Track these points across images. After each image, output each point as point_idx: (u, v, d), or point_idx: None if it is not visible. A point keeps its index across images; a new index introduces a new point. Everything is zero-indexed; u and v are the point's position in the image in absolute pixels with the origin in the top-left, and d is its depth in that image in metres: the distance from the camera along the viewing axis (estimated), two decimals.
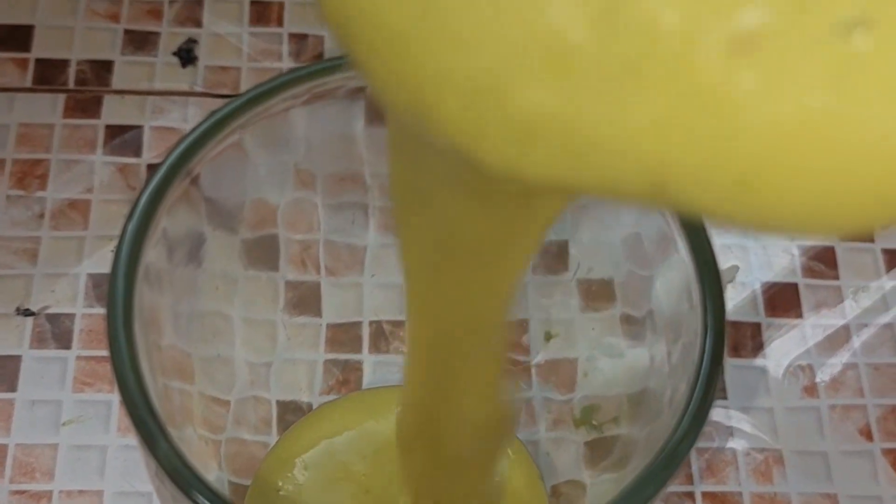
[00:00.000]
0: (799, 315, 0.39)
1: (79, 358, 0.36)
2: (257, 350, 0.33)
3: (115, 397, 0.36)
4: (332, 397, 0.35)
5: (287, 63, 0.43)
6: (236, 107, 0.26)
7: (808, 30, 0.12)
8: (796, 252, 0.40)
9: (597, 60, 0.12)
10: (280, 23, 0.44)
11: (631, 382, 0.30)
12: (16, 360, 0.36)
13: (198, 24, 0.43)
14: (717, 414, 0.37)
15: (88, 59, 0.42)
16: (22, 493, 0.34)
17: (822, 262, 0.40)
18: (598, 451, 0.31)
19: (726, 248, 0.39)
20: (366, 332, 0.36)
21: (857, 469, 0.36)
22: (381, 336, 0.35)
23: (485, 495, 0.30)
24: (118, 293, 0.23)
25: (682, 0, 0.12)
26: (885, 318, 0.39)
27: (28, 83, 0.42)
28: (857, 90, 0.12)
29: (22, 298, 0.37)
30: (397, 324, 0.35)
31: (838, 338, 0.38)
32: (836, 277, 0.39)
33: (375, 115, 0.28)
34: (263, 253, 0.32)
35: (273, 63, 0.43)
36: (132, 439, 0.35)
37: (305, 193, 0.31)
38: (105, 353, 0.36)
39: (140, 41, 0.43)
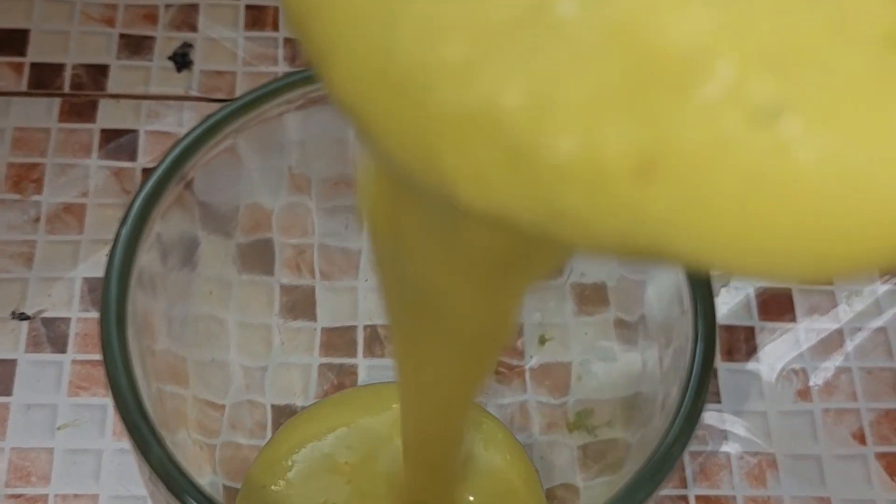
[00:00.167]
0: (792, 319, 0.39)
1: (74, 362, 0.36)
2: (252, 354, 0.33)
3: (110, 401, 0.35)
4: None
5: (282, 67, 0.43)
6: (230, 111, 0.26)
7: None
8: None
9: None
10: (275, 27, 0.44)
11: (624, 386, 0.30)
12: (11, 364, 0.36)
13: (193, 28, 0.44)
14: (710, 418, 0.37)
15: (84, 64, 0.42)
16: (18, 497, 0.34)
17: None
18: (592, 454, 0.31)
19: None
20: (360, 336, 0.36)
21: (851, 473, 0.36)
22: (376, 340, 0.35)
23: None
24: (111, 297, 0.23)
25: (578, 129, 0.12)
26: (878, 322, 0.39)
27: (23, 87, 0.42)
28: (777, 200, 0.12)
29: (17, 302, 0.37)
30: None
31: (832, 342, 0.38)
32: (830, 282, 0.39)
33: None
34: (258, 257, 0.32)
35: (268, 67, 0.43)
36: (127, 443, 0.35)
37: (299, 198, 0.31)
38: (101, 357, 0.36)
39: (135, 45, 0.43)
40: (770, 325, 0.39)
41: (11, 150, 0.40)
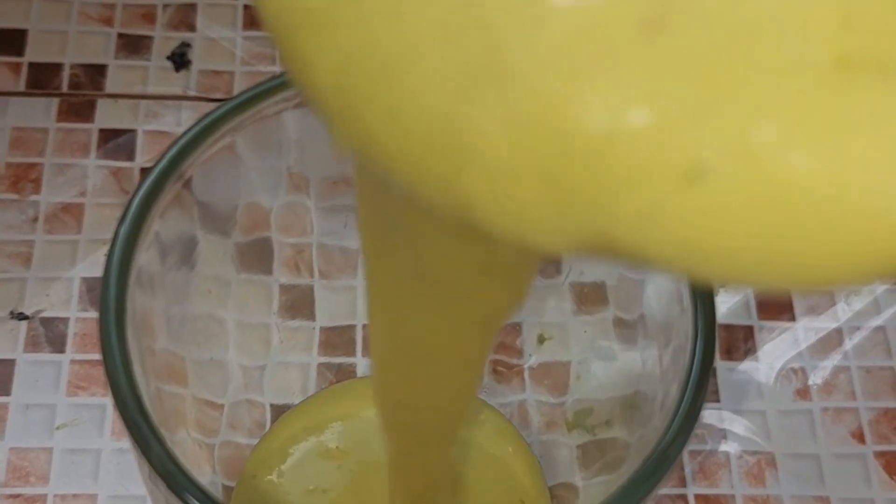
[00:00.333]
0: (791, 318, 0.39)
1: (73, 362, 0.36)
2: (251, 353, 0.33)
3: (109, 401, 0.36)
4: None
5: (280, 67, 0.43)
6: (228, 110, 0.26)
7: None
8: None
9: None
10: None
11: (623, 385, 0.30)
12: (10, 363, 0.36)
13: (191, 27, 0.44)
14: (709, 416, 0.37)
15: (82, 63, 0.42)
16: (16, 496, 0.34)
17: None
18: (591, 453, 0.31)
19: None
20: (359, 335, 0.36)
21: (850, 472, 0.36)
22: None
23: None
24: (110, 297, 0.23)
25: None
26: (877, 321, 0.39)
27: (21, 87, 0.42)
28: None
29: (16, 302, 0.37)
30: None
31: (830, 341, 0.38)
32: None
33: None
34: (256, 256, 0.32)
35: (266, 66, 0.43)
36: (126, 443, 0.35)
37: (298, 197, 0.31)
38: (99, 356, 0.36)
39: (133, 45, 0.43)
40: (769, 324, 0.39)
41: (9, 150, 0.40)
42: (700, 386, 0.23)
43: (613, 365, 0.31)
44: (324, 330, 0.35)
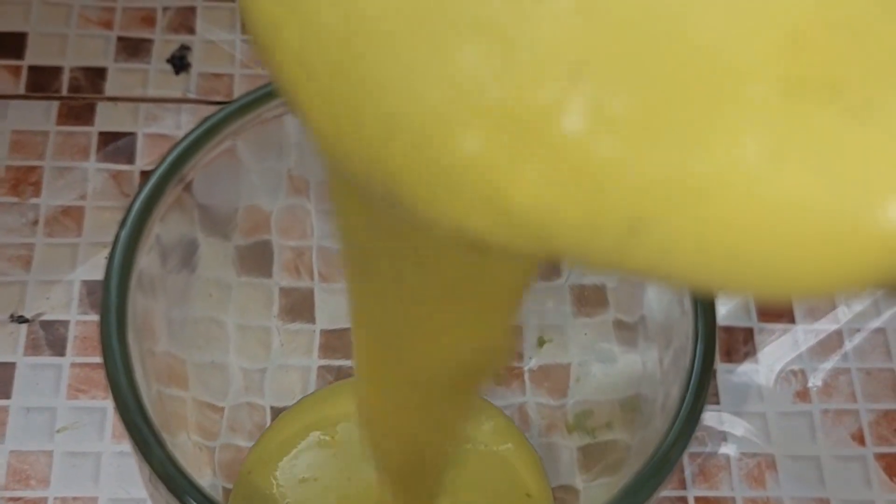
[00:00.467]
0: (791, 320, 0.39)
1: (73, 365, 0.36)
2: (251, 356, 0.33)
3: (109, 404, 0.36)
4: None
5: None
6: (229, 113, 0.26)
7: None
8: None
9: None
10: None
11: (624, 387, 0.30)
12: (10, 367, 0.36)
13: (191, 31, 0.44)
14: (709, 419, 0.37)
15: (82, 67, 0.42)
16: (17, 500, 0.34)
17: None
18: (592, 456, 0.31)
19: None
20: None
21: (850, 474, 0.36)
22: None
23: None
24: (111, 299, 0.23)
25: None
26: (876, 323, 0.39)
27: (21, 90, 0.42)
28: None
29: (16, 305, 0.37)
30: None
31: (830, 343, 0.38)
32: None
33: None
34: (257, 259, 0.32)
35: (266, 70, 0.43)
36: (127, 446, 0.35)
37: (298, 200, 0.31)
38: (99, 359, 0.36)
39: (133, 48, 0.43)
40: (769, 326, 0.39)
41: (9, 153, 0.40)
42: (701, 388, 0.23)
43: (614, 367, 0.31)
44: (324, 333, 0.35)
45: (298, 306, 0.34)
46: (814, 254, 0.12)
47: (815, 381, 0.38)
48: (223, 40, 0.43)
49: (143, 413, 0.23)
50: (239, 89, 0.42)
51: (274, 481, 0.32)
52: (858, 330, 0.39)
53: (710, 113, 0.12)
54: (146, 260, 0.25)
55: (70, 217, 0.39)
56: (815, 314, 0.39)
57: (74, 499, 0.34)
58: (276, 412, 0.34)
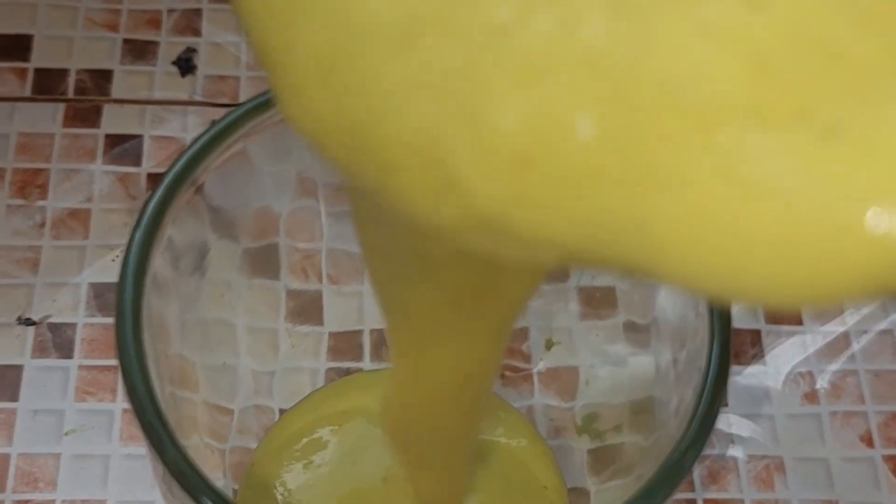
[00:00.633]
0: (799, 322, 0.39)
1: (81, 367, 0.36)
2: (260, 359, 0.33)
3: (117, 406, 0.36)
4: None
5: None
6: (240, 115, 0.26)
7: None
8: None
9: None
10: None
11: (634, 390, 0.30)
12: (17, 369, 0.36)
13: (197, 33, 0.44)
14: (718, 421, 0.37)
15: (88, 69, 0.42)
16: (25, 502, 0.34)
17: None
18: (602, 458, 0.31)
19: None
20: (367, 341, 0.36)
21: (859, 476, 0.36)
22: (383, 344, 0.35)
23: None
24: (127, 300, 0.23)
25: None
26: (884, 325, 0.39)
27: (28, 93, 0.42)
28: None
29: (23, 308, 0.37)
30: None
31: (838, 344, 0.38)
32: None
33: None
34: (266, 262, 0.32)
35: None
36: (135, 448, 0.35)
37: (308, 202, 0.31)
38: (107, 362, 0.36)
39: (139, 50, 0.43)
40: (776, 328, 0.39)
41: (16, 156, 0.40)
42: (716, 391, 0.23)
43: (623, 370, 0.31)
44: (332, 335, 0.35)
45: (307, 309, 0.34)
46: (807, 272, 0.12)
47: (823, 383, 0.38)
48: (229, 42, 0.43)
49: (158, 412, 0.23)
50: (245, 91, 0.42)
51: (281, 475, 0.32)
52: (866, 332, 0.39)
53: (674, 157, 0.12)
54: (160, 262, 0.25)
55: (77, 219, 0.39)
56: (822, 316, 0.39)
57: (83, 501, 0.34)
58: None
